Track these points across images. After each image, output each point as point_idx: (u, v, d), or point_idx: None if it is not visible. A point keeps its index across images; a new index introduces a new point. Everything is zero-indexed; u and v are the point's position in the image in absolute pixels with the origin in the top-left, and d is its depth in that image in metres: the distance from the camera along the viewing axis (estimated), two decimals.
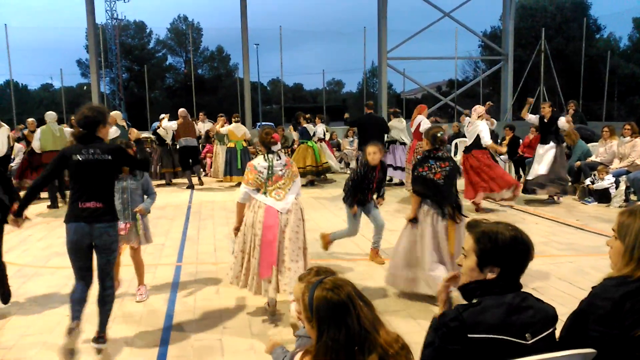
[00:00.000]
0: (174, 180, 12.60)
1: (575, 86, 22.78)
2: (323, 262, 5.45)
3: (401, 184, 11.11)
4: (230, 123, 12.18)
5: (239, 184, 11.70)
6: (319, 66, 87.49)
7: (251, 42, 21.29)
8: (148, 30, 42.69)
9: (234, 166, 11.72)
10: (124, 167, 4.23)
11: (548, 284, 4.83)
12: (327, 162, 12.35)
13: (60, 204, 9.30)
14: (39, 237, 7.16)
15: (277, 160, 4.19)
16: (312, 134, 12.01)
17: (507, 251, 1.82)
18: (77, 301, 3.45)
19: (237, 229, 4.22)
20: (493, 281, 1.84)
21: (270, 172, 4.13)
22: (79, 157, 3.36)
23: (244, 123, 13.79)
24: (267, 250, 3.98)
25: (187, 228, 7.56)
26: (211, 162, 13.60)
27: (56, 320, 4.18)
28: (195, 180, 11.96)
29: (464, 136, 9.77)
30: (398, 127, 11.30)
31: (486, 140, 8.14)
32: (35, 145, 9.62)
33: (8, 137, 9.30)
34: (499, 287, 1.83)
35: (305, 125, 12.02)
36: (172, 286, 5.00)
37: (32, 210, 9.04)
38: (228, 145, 11.89)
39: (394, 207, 8.73)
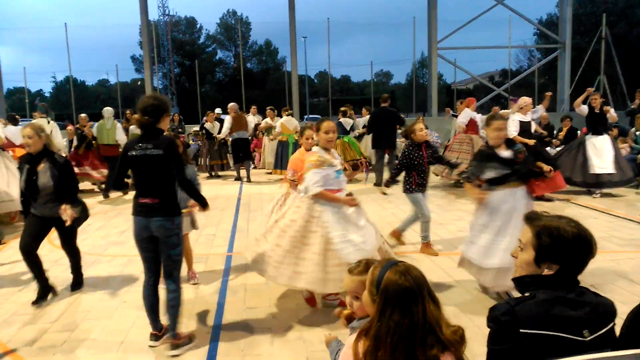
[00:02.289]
0: (222, 173, 12.88)
1: (639, 74, 21.58)
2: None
3: None
4: (280, 116, 12.28)
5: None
6: (366, 58, 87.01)
7: (299, 35, 21.41)
8: (198, 26, 43.72)
9: (286, 161, 11.77)
10: None
11: (608, 280, 4.62)
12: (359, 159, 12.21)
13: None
14: (97, 226, 7.48)
15: None
16: (348, 128, 11.78)
17: (567, 249, 1.73)
18: (150, 307, 3.60)
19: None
20: (549, 277, 1.76)
21: None
22: (133, 152, 3.42)
23: (293, 117, 13.89)
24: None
25: (237, 219, 7.71)
26: (260, 155, 13.82)
27: (114, 307, 4.37)
28: (242, 172, 12.08)
29: None
30: None
31: (510, 132, 7.77)
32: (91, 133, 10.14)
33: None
34: (554, 283, 1.75)
35: (340, 119, 11.83)
36: (222, 275, 5.12)
37: (90, 200, 9.48)
38: (279, 139, 11.98)
39: (440, 201, 8.58)
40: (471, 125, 9.98)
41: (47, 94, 41.63)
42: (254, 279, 4.95)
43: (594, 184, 8.61)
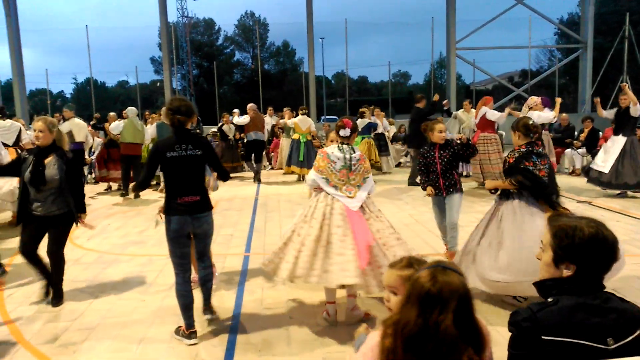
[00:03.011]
0: (240, 174, 12.97)
1: None
2: None
3: (467, 176, 10.86)
4: (296, 115, 12.31)
5: (299, 177, 11.90)
6: (384, 58, 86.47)
7: (316, 36, 21.45)
8: (217, 27, 43.97)
9: (295, 157, 11.81)
10: None
11: (630, 285, 4.52)
12: (378, 162, 12.28)
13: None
14: (117, 226, 7.57)
15: (352, 153, 3.94)
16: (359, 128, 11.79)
17: (584, 249, 1.68)
18: (188, 304, 3.66)
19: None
20: (571, 279, 1.72)
21: (344, 164, 3.91)
22: (172, 153, 3.53)
23: (309, 117, 13.92)
24: (362, 241, 3.66)
25: (255, 220, 7.74)
26: (277, 156, 13.86)
27: (133, 305, 4.42)
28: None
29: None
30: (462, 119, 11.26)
31: (548, 116, 8.19)
32: (113, 129, 10.21)
33: (70, 132, 9.76)
34: (577, 286, 1.71)
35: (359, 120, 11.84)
36: (240, 276, 5.14)
37: (108, 200, 9.60)
38: (292, 137, 12.02)
39: (468, 200, 8.49)
40: (491, 124, 9.84)
41: (68, 95, 42.38)
42: (271, 279, 4.95)
43: (592, 179, 8.72)
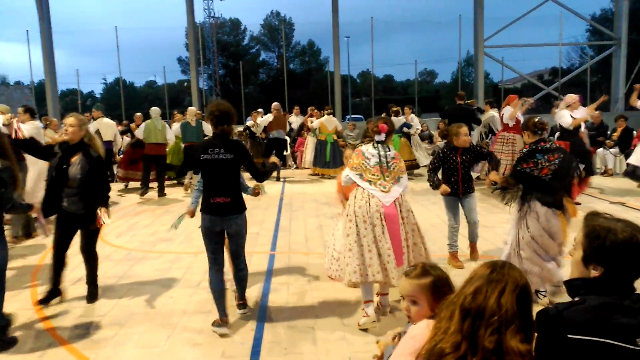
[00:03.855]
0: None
1: None
2: None
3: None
4: (321, 115, 12.30)
5: (323, 176, 11.89)
6: (410, 57, 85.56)
7: (342, 35, 21.35)
8: (242, 27, 44.32)
9: (321, 159, 11.81)
10: None
11: None
12: (414, 160, 12.08)
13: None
14: (146, 224, 7.69)
15: (387, 151, 4.01)
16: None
17: (614, 252, 1.66)
18: (218, 292, 3.84)
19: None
20: (599, 280, 1.69)
21: (379, 160, 3.94)
22: (205, 156, 3.71)
23: (334, 116, 13.86)
24: (396, 239, 3.81)
25: (280, 218, 7.76)
26: (302, 155, 13.86)
27: (161, 302, 4.47)
28: (274, 173, 12.12)
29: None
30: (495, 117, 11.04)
31: (566, 122, 7.86)
32: (139, 133, 10.40)
33: (98, 131, 9.93)
34: (605, 287, 1.67)
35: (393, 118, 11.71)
36: (266, 274, 5.16)
37: (136, 199, 9.75)
38: (319, 138, 12.01)
39: (491, 202, 8.36)
40: (515, 125, 9.63)
41: (97, 95, 43.26)
42: (297, 278, 4.97)
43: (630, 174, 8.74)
